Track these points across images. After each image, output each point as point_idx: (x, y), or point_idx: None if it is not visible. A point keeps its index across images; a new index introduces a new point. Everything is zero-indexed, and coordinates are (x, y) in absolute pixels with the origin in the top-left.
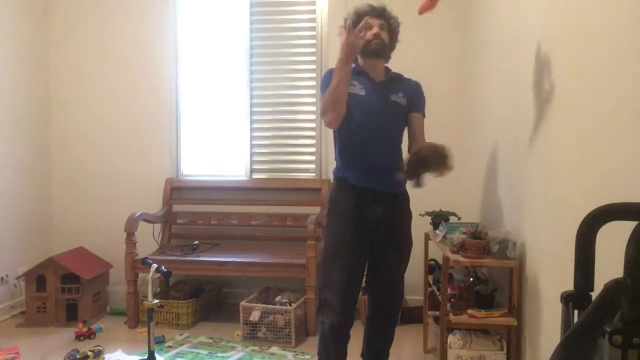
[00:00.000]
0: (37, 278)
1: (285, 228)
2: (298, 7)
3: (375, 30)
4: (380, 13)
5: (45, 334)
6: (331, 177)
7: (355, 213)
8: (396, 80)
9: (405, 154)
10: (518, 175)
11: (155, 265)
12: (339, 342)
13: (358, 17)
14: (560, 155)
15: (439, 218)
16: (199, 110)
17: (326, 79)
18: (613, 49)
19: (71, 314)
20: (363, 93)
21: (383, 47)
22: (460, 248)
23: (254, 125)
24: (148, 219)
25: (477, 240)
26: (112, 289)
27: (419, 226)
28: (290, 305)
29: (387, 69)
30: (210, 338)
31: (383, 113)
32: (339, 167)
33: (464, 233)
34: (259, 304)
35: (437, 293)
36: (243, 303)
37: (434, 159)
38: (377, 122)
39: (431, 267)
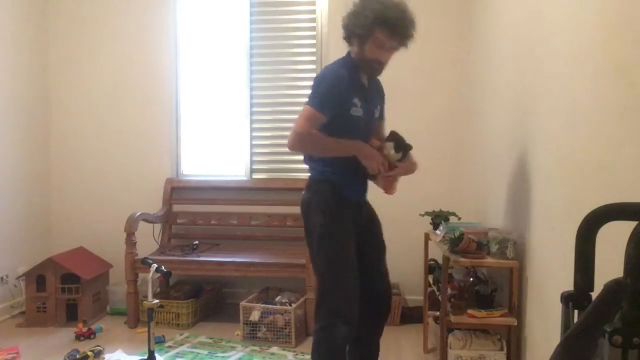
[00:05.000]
0: (37, 278)
1: (285, 228)
2: (298, 7)
3: (386, 57)
4: (406, 43)
5: (45, 334)
6: None
7: (351, 219)
8: (374, 87)
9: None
10: (518, 175)
11: (155, 265)
12: (344, 353)
13: (389, 28)
14: (560, 155)
15: (439, 218)
16: (199, 110)
17: (329, 87)
18: (613, 52)
19: (71, 314)
20: (360, 114)
21: (381, 70)
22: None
23: (254, 125)
24: (148, 219)
25: (463, 244)
26: (112, 289)
27: (419, 226)
28: (290, 305)
29: None
30: (210, 338)
31: (368, 128)
32: (332, 174)
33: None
34: (259, 304)
35: (437, 293)
36: (243, 303)
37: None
38: (364, 139)
39: (431, 267)
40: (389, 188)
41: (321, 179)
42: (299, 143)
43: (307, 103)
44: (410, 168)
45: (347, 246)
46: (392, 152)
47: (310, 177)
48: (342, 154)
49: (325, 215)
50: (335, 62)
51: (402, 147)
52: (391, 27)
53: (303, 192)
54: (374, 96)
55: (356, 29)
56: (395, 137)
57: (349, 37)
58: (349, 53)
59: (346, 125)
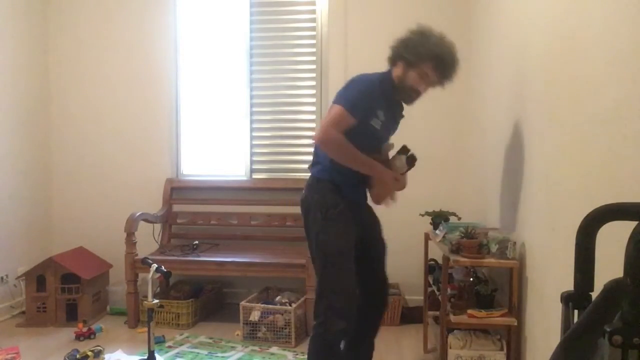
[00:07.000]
0: (37, 278)
1: (285, 228)
2: (298, 7)
3: (423, 88)
4: (445, 84)
5: (45, 334)
6: None
7: (351, 218)
8: (399, 110)
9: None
10: (518, 176)
11: (155, 265)
12: (339, 348)
13: (440, 67)
14: (560, 155)
15: (439, 218)
16: (199, 110)
17: (361, 92)
18: (613, 52)
19: (71, 314)
20: (378, 127)
21: (415, 100)
22: (457, 249)
23: (254, 125)
24: (148, 219)
25: (471, 240)
26: (112, 289)
27: (419, 226)
28: (290, 305)
29: None
30: (210, 338)
31: (378, 144)
32: (334, 175)
33: (461, 233)
34: (259, 304)
35: (437, 293)
36: (243, 303)
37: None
38: (370, 151)
39: (431, 267)
40: (381, 200)
41: (322, 177)
42: (328, 145)
43: (338, 102)
44: (403, 185)
45: (346, 244)
46: (400, 164)
47: (311, 175)
48: (362, 170)
49: (324, 213)
50: (373, 73)
51: (411, 163)
52: (442, 67)
53: (303, 191)
54: (396, 118)
55: (408, 54)
56: (406, 151)
57: (394, 59)
58: (389, 71)
59: (360, 133)
